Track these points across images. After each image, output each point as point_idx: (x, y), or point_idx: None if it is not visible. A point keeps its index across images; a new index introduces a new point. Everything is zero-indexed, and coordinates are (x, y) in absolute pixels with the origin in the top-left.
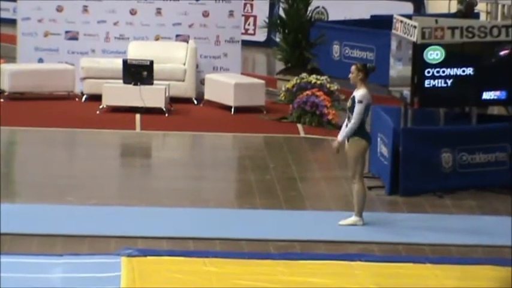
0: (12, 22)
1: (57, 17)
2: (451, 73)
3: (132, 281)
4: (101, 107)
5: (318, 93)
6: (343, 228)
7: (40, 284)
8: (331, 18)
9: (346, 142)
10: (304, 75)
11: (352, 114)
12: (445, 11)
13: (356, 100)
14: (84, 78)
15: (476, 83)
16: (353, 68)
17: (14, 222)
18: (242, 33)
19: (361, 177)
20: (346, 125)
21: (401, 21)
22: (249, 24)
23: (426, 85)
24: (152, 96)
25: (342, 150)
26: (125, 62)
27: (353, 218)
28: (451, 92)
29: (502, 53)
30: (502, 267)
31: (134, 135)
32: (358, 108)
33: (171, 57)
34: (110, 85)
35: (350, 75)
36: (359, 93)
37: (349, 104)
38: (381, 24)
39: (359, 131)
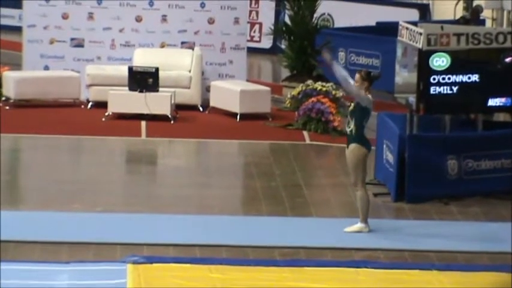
0: (17, 29)
1: (62, 24)
2: (457, 80)
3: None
4: (106, 114)
5: (323, 100)
6: (348, 235)
7: None
8: (337, 25)
9: (346, 149)
10: (309, 82)
11: (352, 119)
12: (450, 17)
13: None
14: (90, 85)
15: (482, 89)
16: (357, 76)
17: (19, 229)
18: (248, 40)
19: (364, 184)
20: (350, 131)
21: (407, 28)
22: (254, 31)
23: (432, 92)
24: (158, 103)
25: (344, 158)
26: (130, 69)
27: (358, 225)
28: (457, 98)
29: (507, 59)
30: (508, 273)
31: (140, 142)
32: (358, 90)
33: (176, 64)
34: (115, 92)
35: (355, 83)
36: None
37: (351, 107)
38: (387, 31)
39: (359, 138)
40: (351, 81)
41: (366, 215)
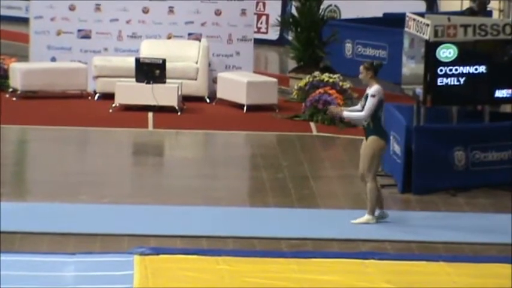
0: (24, 21)
1: (69, 16)
2: (464, 71)
3: (144, 279)
4: (113, 105)
5: (330, 92)
6: (355, 227)
7: (53, 282)
8: (344, 16)
9: (365, 141)
10: (316, 73)
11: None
12: (457, 9)
13: (369, 95)
14: (97, 77)
15: (489, 81)
16: (361, 68)
17: (26, 221)
18: (254, 32)
19: (375, 176)
20: (368, 125)
21: (414, 19)
22: (261, 23)
23: (439, 83)
24: (165, 94)
25: (353, 149)
26: (137, 60)
27: (366, 217)
28: (464, 90)
29: None
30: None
31: (147, 134)
32: (370, 102)
33: (183, 55)
34: (122, 83)
35: (360, 76)
36: (372, 89)
37: (362, 102)
38: (394, 22)
39: (377, 130)
40: (363, 111)
41: (374, 206)
